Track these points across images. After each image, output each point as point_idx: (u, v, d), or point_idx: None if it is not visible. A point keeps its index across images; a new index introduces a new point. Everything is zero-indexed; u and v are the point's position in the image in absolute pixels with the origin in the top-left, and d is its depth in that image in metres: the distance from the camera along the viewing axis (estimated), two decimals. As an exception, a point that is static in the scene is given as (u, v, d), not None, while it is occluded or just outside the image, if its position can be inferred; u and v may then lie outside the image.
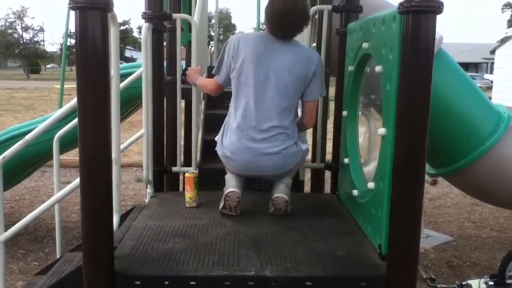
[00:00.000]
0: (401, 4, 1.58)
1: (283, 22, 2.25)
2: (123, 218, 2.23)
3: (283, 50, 2.29)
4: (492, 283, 2.93)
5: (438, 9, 1.53)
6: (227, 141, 2.32)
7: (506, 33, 43.58)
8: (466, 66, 35.55)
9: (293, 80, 2.27)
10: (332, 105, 2.85)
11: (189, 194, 2.43)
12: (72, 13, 1.51)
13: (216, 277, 1.68)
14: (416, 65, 1.57)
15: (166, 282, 1.67)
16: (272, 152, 2.25)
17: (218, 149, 2.39)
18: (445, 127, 2.93)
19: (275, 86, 2.26)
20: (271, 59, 2.27)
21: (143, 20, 2.61)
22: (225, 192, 2.29)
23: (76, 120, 1.68)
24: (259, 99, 2.26)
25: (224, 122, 2.42)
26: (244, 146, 2.26)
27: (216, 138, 2.44)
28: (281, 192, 2.30)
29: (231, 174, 2.36)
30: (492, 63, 25.14)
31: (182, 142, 3.02)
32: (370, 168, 2.32)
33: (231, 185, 2.29)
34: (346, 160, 2.45)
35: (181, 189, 3.03)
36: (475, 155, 2.93)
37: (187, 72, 2.73)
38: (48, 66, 63.79)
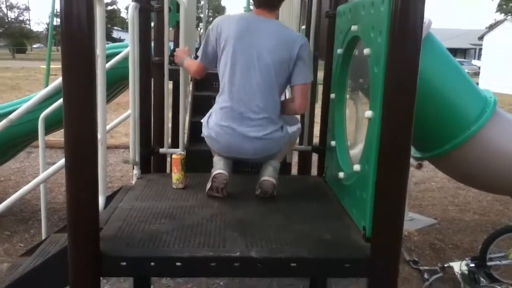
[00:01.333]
0: (390, -14, 1.57)
1: None
2: (109, 199, 2.22)
3: (266, 31, 2.26)
4: (473, 265, 2.99)
5: (427, -8, 1.52)
6: (212, 122, 2.33)
7: (495, 19, 43.66)
8: (454, 51, 35.74)
9: (274, 63, 2.24)
10: (320, 89, 2.84)
11: (176, 175, 2.43)
12: (58, -9, 1.48)
13: (202, 258, 1.69)
14: (404, 48, 1.57)
15: (152, 263, 1.67)
16: (255, 136, 2.25)
17: (204, 130, 2.39)
18: (432, 111, 2.95)
19: (257, 68, 2.23)
20: (254, 39, 2.24)
21: (130, 0, 2.56)
22: (213, 174, 2.28)
23: (61, 100, 1.66)
24: (242, 80, 2.25)
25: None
26: (228, 128, 2.27)
27: (202, 120, 2.44)
28: (268, 176, 2.29)
29: (219, 156, 2.36)
30: (480, 49, 25.32)
31: (170, 124, 3.00)
32: (356, 151, 2.34)
33: (218, 167, 2.29)
34: (333, 143, 2.46)
35: (168, 170, 3.02)
36: (460, 140, 2.96)
37: (175, 53, 2.71)
38: (34, 46, 62.62)
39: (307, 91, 2.44)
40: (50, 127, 3.74)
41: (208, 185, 2.30)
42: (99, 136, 1.71)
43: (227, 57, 2.27)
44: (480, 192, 4.85)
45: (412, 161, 3.37)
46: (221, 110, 2.29)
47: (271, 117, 2.28)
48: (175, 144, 2.99)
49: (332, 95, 2.51)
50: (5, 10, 58.67)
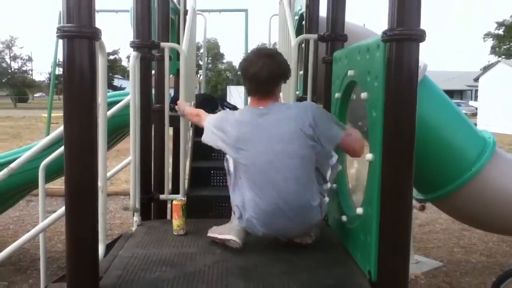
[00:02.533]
0: (384, 32, 1.62)
1: (260, 81, 2.13)
2: (109, 247, 2.19)
3: (270, 126, 2.09)
4: (483, 309, 2.91)
5: (421, 37, 1.57)
6: (248, 218, 2.10)
7: (489, 61, 44.53)
8: (451, 93, 36.22)
9: (296, 153, 2.02)
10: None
11: (177, 222, 2.40)
12: (61, 41, 1.52)
13: (204, 307, 1.65)
14: (401, 92, 1.59)
15: (153, 313, 1.63)
16: (300, 228, 2.13)
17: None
18: (432, 152, 2.96)
19: (278, 167, 2.02)
20: (261, 142, 2.06)
21: (132, 49, 2.63)
22: (226, 237, 2.16)
23: (62, 148, 1.67)
24: (271, 184, 2.03)
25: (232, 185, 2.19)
26: (272, 225, 2.09)
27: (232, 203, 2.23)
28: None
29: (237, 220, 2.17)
30: (476, 90, 25.67)
31: (170, 170, 3.00)
32: (358, 194, 2.33)
33: (233, 234, 2.15)
34: (334, 186, 2.45)
35: (168, 217, 3.00)
36: (462, 181, 2.95)
37: (176, 106, 2.74)
38: (36, 95, 63.64)
39: (356, 137, 2.14)
40: (51, 175, 3.74)
41: (215, 235, 2.22)
42: (99, 183, 1.71)
43: (239, 164, 2.10)
44: (486, 233, 4.78)
45: (414, 203, 3.35)
46: (251, 209, 2.08)
47: (309, 203, 2.05)
48: (175, 190, 2.98)
49: (332, 138, 2.52)
50: (8, 60, 60.09)
